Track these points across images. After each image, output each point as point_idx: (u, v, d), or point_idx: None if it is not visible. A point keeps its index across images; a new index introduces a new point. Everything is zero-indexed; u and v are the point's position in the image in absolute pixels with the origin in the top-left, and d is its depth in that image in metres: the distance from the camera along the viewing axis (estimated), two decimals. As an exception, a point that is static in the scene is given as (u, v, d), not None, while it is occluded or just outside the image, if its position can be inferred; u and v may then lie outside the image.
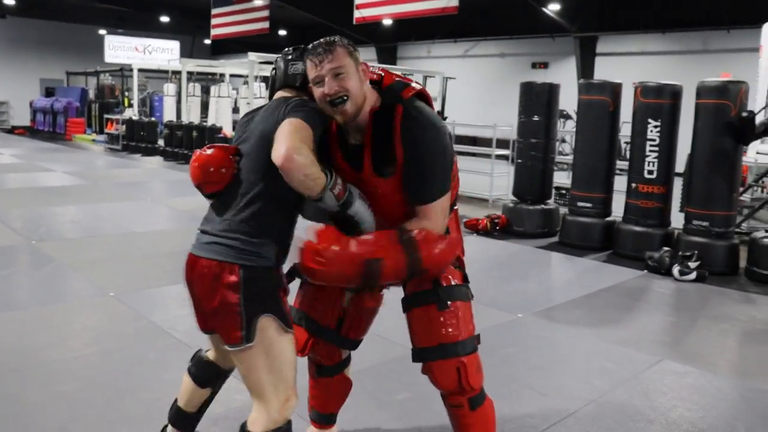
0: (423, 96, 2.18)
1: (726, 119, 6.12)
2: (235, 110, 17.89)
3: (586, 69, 18.08)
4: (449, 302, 2.24)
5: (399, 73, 2.28)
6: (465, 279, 2.34)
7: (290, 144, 1.91)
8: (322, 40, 2.09)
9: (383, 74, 2.21)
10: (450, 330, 2.22)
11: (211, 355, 2.42)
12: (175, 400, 2.49)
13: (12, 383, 3.34)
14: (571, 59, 18.55)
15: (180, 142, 14.83)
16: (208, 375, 2.42)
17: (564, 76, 16.21)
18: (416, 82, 2.22)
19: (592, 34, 18.07)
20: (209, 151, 2.15)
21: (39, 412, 3.03)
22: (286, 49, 2.31)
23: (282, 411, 2.08)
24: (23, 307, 4.51)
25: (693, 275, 5.92)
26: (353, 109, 2.06)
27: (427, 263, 2.06)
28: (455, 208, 2.38)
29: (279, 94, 2.23)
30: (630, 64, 17.19)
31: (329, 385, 2.63)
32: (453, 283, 2.27)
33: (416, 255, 2.02)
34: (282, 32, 24.76)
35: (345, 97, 2.03)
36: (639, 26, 17.15)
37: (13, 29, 24.83)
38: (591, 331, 4.53)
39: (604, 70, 17.72)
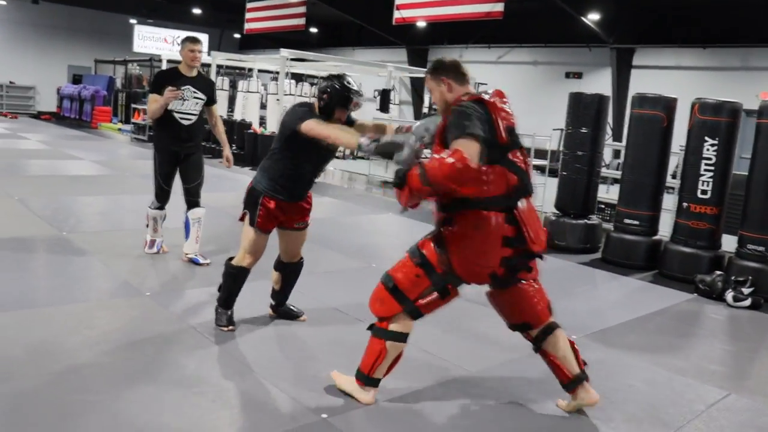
0: (480, 101, 3.00)
1: (788, 140, 5.86)
2: (263, 106, 17.72)
3: (621, 81, 17.76)
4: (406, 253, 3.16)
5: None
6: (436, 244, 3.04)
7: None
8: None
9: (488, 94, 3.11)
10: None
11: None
12: None
13: (48, 387, 3.14)
14: (606, 70, 18.23)
15: (207, 134, 14.66)
16: (276, 264, 4.22)
17: (598, 87, 15.84)
18: (487, 93, 3.11)
19: (630, 46, 17.76)
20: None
21: (80, 418, 2.85)
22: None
23: (239, 260, 3.90)
24: (59, 303, 4.32)
25: (748, 302, 5.66)
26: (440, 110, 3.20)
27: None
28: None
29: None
30: (666, 78, 16.85)
31: None
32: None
33: None
34: (313, 29, 24.63)
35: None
36: (677, 40, 16.84)
37: (44, 15, 24.87)
38: (649, 358, 4.28)
39: (639, 83, 17.39)
